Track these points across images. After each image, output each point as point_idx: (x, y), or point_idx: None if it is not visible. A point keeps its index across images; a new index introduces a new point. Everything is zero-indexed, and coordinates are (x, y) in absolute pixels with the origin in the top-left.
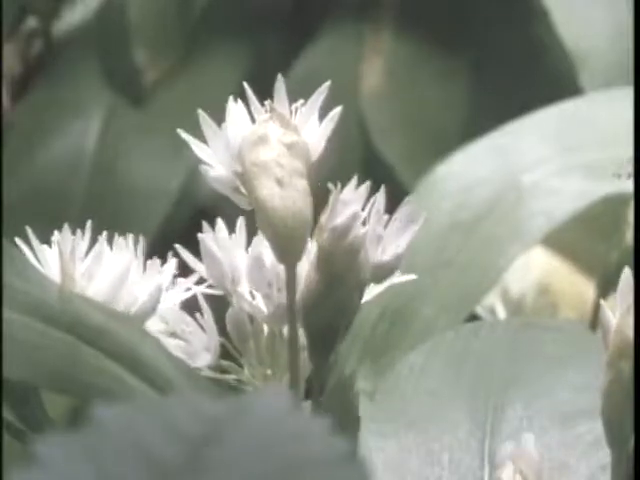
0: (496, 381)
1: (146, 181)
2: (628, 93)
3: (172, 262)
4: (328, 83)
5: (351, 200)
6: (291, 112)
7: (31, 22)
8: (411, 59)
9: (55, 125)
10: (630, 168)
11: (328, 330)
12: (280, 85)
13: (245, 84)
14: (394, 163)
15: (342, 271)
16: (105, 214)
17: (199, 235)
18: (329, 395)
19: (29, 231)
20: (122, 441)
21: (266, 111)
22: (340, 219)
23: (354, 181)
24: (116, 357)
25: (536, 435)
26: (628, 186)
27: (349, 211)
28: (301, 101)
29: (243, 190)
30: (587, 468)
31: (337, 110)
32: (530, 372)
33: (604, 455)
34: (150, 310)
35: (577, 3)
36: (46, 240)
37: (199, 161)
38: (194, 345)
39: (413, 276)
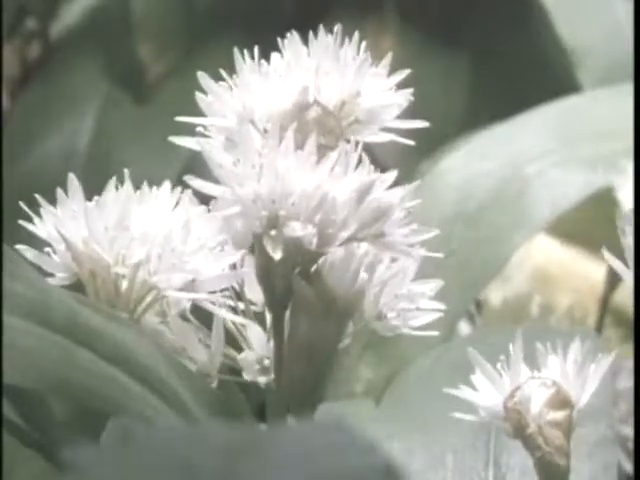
0: None
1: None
2: (626, 90)
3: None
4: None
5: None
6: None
7: (30, 23)
8: (413, 59)
9: (51, 122)
10: None
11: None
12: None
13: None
14: (393, 161)
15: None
16: None
17: None
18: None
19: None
20: (162, 455)
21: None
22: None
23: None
24: (112, 359)
25: None
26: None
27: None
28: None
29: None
30: (591, 468)
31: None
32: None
33: (608, 455)
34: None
35: (576, 2)
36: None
37: (194, 154)
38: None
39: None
